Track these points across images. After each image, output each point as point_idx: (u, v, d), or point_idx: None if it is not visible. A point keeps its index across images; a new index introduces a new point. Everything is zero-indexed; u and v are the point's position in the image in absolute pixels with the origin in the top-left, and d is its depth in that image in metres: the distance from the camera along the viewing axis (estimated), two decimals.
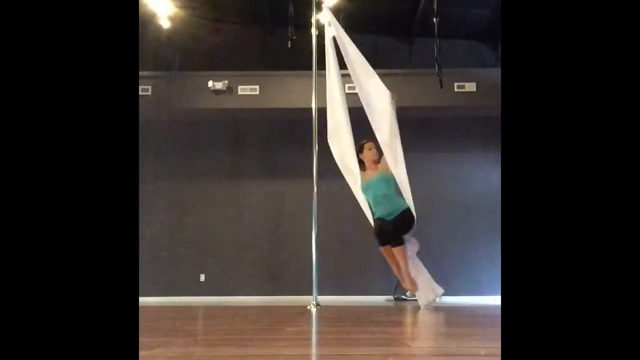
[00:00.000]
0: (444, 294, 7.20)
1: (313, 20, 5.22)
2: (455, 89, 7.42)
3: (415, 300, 6.75)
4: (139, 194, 1.19)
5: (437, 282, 6.93)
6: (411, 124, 7.99)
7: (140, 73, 6.91)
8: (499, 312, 3.35)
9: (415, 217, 4.06)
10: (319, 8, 5.16)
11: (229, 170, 8.00)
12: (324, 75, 6.28)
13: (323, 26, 5.01)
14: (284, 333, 2.10)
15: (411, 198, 4.11)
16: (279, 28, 7.68)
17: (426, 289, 4.19)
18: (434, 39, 5.86)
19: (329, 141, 4.63)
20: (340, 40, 4.66)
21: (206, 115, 7.82)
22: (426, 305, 4.13)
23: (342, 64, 4.77)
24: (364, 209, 4.36)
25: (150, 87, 7.38)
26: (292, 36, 6.32)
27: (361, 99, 4.49)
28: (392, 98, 4.32)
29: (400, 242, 4.02)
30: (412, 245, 4.17)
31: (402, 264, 4.07)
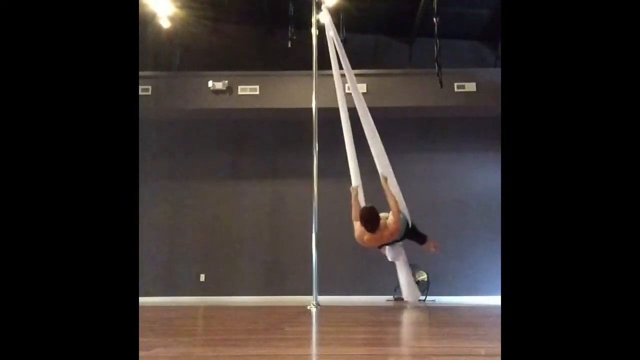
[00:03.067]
0: (444, 294, 7.22)
1: (313, 20, 5.22)
2: (455, 89, 7.43)
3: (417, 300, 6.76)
4: (139, 194, 1.19)
5: (436, 281, 6.97)
6: (411, 124, 8.00)
7: (140, 73, 6.91)
8: (499, 312, 3.35)
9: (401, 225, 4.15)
10: (319, 8, 5.16)
11: (229, 170, 8.00)
12: (324, 75, 6.29)
13: (323, 26, 5.00)
14: (284, 333, 2.10)
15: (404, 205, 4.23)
16: (279, 28, 7.69)
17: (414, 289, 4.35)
18: (434, 39, 5.87)
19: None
20: (334, 41, 4.70)
21: (206, 115, 7.82)
22: (412, 303, 4.29)
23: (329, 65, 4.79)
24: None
25: (150, 87, 7.39)
26: (292, 36, 6.33)
27: (355, 102, 4.58)
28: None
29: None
30: (398, 249, 4.28)
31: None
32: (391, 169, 4.36)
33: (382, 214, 4.05)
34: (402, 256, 4.27)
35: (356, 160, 4.57)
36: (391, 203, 4.04)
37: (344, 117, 4.64)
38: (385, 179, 4.32)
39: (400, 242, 4.22)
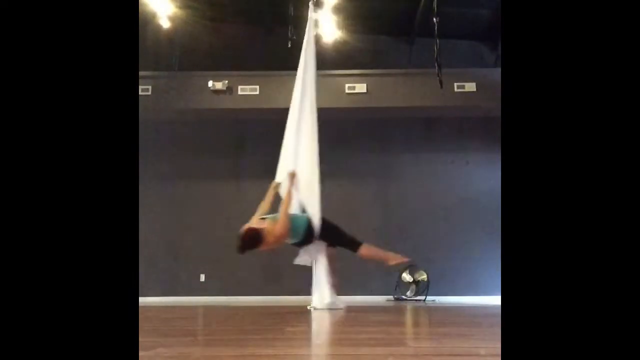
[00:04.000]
0: (444, 294, 7.22)
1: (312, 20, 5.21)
2: (455, 89, 7.43)
3: (417, 300, 6.77)
4: (139, 194, 1.19)
5: (436, 281, 6.97)
6: (411, 124, 8.01)
7: (140, 73, 6.91)
8: (499, 312, 3.35)
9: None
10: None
11: (229, 170, 8.00)
12: (323, 75, 6.27)
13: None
14: (284, 333, 2.10)
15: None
16: (279, 28, 7.69)
17: (325, 294, 4.00)
18: (434, 39, 5.87)
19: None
20: (310, 43, 4.63)
21: (206, 115, 7.82)
22: (317, 308, 3.93)
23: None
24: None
25: (150, 87, 7.39)
26: (292, 36, 6.33)
27: (297, 103, 4.46)
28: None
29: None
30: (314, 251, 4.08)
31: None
32: (317, 173, 4.11)
33: (269, 216, 3.93)
34: (319, 260, 4.02)
35: (316, 152, 4.24)
36: (284, 203, 3.89)
37: (297, 115, 4.44)
38: (293, 175, 4.16)
39: (316, 245, 4.01)
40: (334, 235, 4.03)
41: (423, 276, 6.99)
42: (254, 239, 3.65)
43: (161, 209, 7.79)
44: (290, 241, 3.98)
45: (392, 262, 4.01)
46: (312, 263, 4.11)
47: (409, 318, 3.28)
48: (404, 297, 7.00)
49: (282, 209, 3.91)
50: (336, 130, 7.66)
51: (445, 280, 7.33)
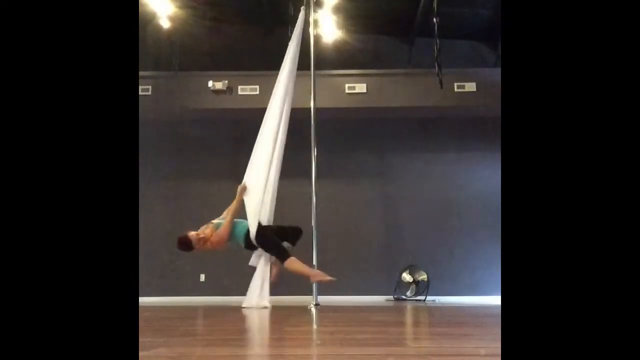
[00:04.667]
0: (444, 294, 7.22)
1: (311, 20, 5.22)
2: (455, 89, 7.43)
3: (417, 300, 6.77)
4: (139, 194, 1.19)
5: (436, 281, 6.97)
6: (411, 124, 8.01)
7: (140, 73, 6.91)
8: (499, 312, 3.35)
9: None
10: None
11: (229, 170, 8.00)
12: (324, 75, 6.27)
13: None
14: (284, 333, 2.10)
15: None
16: (279, 28, 7.69)
17: (256, 295, 4.15)
18: (434, 39, 5.87)
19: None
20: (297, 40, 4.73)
21: (206, 115, 7.82)
22: (246, 307, 4.09)
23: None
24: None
25: (150, 87, 7.39)
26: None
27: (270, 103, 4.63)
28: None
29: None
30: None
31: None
32: (263, 180, 4.34)
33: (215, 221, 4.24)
34: (261, 263, 4.20)
35: (268, 161, 4.44)
36: (229, 214, 4.18)
37: (276, 116, 4.54)
38: (244, 188, 4.39)
39: (261, 250, 4.19)
40: (265, 243, 4.18)
41: (423, 276, 6.99)
42: (185, 245, 4.23)
43: (161, 209, 7.79)
44: (238, 245, 4.27)
45: (315, 280, 4.14)
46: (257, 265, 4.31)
47: (409, 318, 3.27)
48: (404, 297, 7.00)
49: (227, 217, 4.20)
50: (336, 130, 7.66)
51: (446, 280, 7.33)
